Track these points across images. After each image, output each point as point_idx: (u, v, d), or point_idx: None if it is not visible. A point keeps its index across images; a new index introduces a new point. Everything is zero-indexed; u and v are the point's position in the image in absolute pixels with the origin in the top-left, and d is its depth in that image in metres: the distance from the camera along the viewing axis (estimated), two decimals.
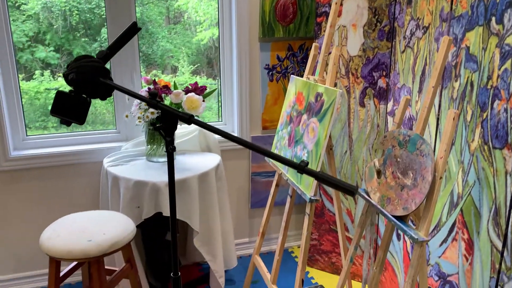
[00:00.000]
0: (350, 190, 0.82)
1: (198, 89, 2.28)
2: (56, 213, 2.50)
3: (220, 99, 2.76)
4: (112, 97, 2.54)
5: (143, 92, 2.25)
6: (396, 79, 2.25)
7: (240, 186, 2.82)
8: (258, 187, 2.84)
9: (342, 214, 2.26)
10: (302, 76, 2.71)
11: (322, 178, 0.86)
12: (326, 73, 2.05)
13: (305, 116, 1.94)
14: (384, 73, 2.35)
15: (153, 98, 1.05)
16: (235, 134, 2.73)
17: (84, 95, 1.12)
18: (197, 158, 2.40)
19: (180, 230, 2.69)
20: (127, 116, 2.31)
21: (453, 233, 1.84)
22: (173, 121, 1.05)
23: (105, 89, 1.11)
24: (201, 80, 2.77)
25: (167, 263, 2.42)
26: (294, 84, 2.12)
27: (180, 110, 1.17)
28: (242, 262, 2.82)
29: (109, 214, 1.94)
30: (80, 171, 2.48)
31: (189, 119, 1.01)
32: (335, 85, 2.41)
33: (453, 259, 1.85)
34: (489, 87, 1.61)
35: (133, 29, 1.21)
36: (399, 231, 2.26)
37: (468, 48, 1.72)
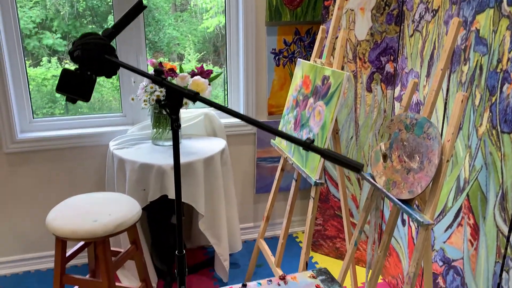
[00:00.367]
0: (355, 167, 0.82)
1: (204, 73, 2.27)
2: (62, 195, 2.52)
3: (226, 88, 2.75)
4: (118, 80, 2.54)
5: None
6: (404, 64, 2.23)
7: (245, 171, 2.82)
8: (263, 172, 2.84)
9: (347, 200, 2.26)
10: (309, 60, 2.69)
11: (327, 155, 0.85)
12: (333, 57, 2.03)
13: (311, 100, 1.93)
14: (392, 58, 2.32)
15: (159, 76, 1.04)
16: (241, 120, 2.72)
17: (89, 73, 1.12)
18: (202, 143, 2.40)
19: (185, 214, 2.70)
20: (132, 99, 2.31)
21: (459, 219, 1.83)
22: (178, 99, 1.05)
23: (111, 66, 1.10)
24: (207, 68, 2.76)
25: (173, 246, 2.44)
26: (301, 68, 2.10)
27: None
28: (246, 247, 2.83)
29: (114, 196, 1.95)
30: (86, 154, 2.49)
31: (195, 96, 1.01)
32: (342, 68, 2.39)
33: (458, 244, 1.84)
34: (498, 70, 1.59)
35: (138, 8, 1.20)
36: (404, 216, 2.25)
37: (478, 31, 1.69)
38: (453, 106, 1.44)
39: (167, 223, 2.42)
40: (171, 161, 2.10)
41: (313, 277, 1.67)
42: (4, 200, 2.44)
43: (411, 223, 2.20)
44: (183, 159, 2.13)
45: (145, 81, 2.26)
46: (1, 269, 2.52)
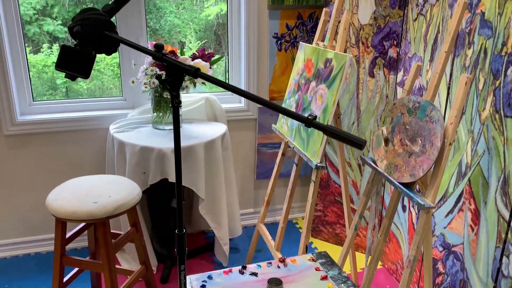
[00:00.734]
0: (358, 143, 0.80)
1: (205, 56, 2.25)
2: (62, 178, 2.52)
3: (227, 76, 2.72)
4: (119, 68, 2.52)
5: (149, 59, 2.23)
6: (407, 49, 2.21)
7: (246, 157, 2.81)
8: (264, 158, 2.83)
9: (348, 185, 2.25)
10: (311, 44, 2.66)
11: (330, 131, 0.84)
12: (336, 40, 2.00)
13: (313, 83, 1.91)
14: (395, 43, 2.30)
15: (159, 51, 1.03)
16: (242, 105, 2.71)
17: (89, 49, 1.10)
18: (203, 127, 2.39)
19: (186, 198, 2.70)
20: (133, 82, 2.29)
21: (460, 204, 1.83)
22: (179, 75, 1.03)
23: (110, 42, 1.09)
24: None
25: (173, 229, 2.44)
26: (303, 51, 2.08)
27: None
28: (246, 232, 2.84)
29: (114, 178, 1.94)
30: (86, 137, 2.49)
31: (195, 72, 0.99)
32: (345, 52, 2.36)
33: (459, 229, 1.84)
34: (503, 54, 1.57)
35: None
36: (405, 202, 2.25)
37: (483, 13, 1.67)
38: (457, 88, 1.42)
39: (167, 207, 2.42)
40: (171, 145, 2.09)
41: (313, 260, 1.67)
42: (3, 182, 2.44)
43: (411, 208, 2.20)
44: (184, 143, 2.12)
45: (145, 64, 2.24)
46: (1, 251, 2.53)
